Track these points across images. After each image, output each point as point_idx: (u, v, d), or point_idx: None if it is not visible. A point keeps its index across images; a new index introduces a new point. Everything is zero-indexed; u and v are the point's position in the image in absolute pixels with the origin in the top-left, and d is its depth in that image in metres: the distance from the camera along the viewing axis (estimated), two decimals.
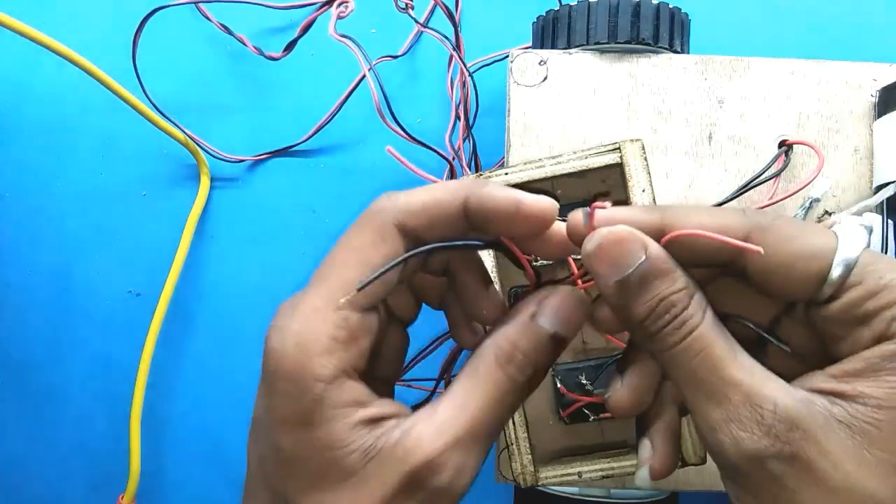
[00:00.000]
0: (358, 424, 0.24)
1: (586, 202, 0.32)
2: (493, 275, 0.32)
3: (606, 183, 0.32)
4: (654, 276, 0.23)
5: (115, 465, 0.44)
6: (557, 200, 0.32)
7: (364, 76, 0.44)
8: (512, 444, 0.30)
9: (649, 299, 0.23)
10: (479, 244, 0.25)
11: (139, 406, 0.43)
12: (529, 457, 0.30)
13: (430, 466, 0.23)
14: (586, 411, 0.33)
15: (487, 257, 0.32)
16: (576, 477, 0.30)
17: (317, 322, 0.23)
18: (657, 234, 0.24)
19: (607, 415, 0.32)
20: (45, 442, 0.46)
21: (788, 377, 0.24)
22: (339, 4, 0.35)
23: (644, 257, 0.23)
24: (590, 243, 0.24)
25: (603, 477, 0.30)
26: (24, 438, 0.46)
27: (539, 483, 0.30)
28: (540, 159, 0.30)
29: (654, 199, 0.30)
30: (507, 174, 0.31)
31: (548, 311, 0.25)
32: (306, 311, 0.24)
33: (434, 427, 0.23)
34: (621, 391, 0.26)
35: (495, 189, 0.24)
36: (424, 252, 0.24)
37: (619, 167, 0.30)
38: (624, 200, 0.31)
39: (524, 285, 0.32)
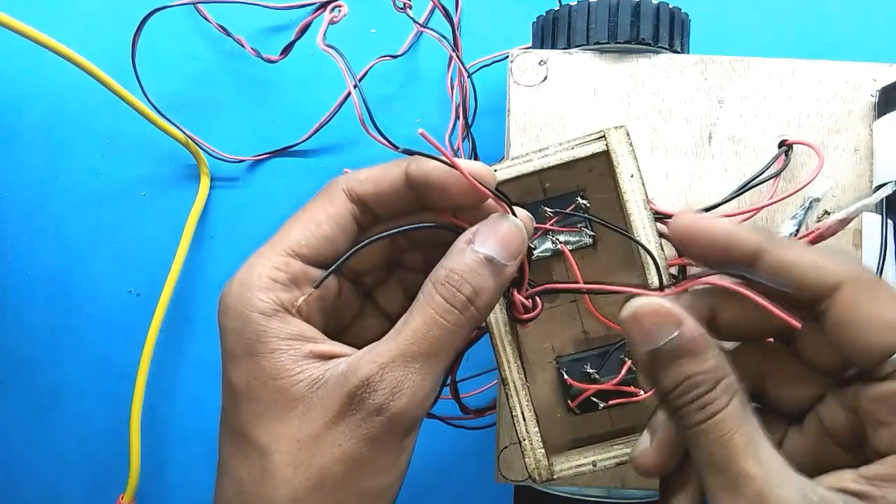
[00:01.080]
0: (308, 357, 0.25)
1: (575, 194, 0.32)
2: None
3: (593, 172, 0.32)
4: (684, 354, 0.24)
5: (115, 465, 0.44)
6: (545, 194, 0.32)
7: (366, 72, 0.44)
8: (524, 439, 0.30)
9: (676, 375, 0.24)
10: (428, 225, 0.27)
11: (139, 406, 0.43)
12: (542, 451, 0.30)
13: (366, 386, 0.24)
14: (595, 400, 0.33)
15: None
16: (590, 466, 0.30)
17: (258, 266, 0.26)
18: (753, 254, 0.24)
19: (617, 401, 0.32)
20: (45, 442, 0.46)
21: (819, 460, 0.24)
22: (333, 9, 0.35)
23: (676, 333, 0.24)
24: (626, 310, 0.24)
25: (617, 464, 0.30)
26: (24, 438, 0.46)
27: (554, 476, 0.30)
28: (527, 154, 0.31)
29: (642, 184, 0.30)
30: (496, 171, 0.31)
31: (480, 236, 0.26)
32: (253, 258, 0.26)
33: (374, 353, 0.25)
34: (648, 452, 0.26)
35: (430, 164, 0.26)
36: (377, 239, 0.27)
37: (605, 155, 0.30)
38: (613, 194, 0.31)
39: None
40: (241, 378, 0.25)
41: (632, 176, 0.30)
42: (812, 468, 0.24)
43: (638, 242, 0.30)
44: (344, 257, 0.27)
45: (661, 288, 0.29)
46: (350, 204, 0.27)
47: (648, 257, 0.30)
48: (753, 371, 0.26)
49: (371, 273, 0.30)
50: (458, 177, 0.25)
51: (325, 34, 0.34)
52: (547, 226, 0.32)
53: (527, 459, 0.30)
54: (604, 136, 0.30)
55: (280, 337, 0.25)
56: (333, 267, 0.27)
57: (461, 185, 0.25)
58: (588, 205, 0.32)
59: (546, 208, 0.32)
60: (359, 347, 0.26)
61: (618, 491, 0.36)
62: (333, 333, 0.28)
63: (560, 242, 0.32)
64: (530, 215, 0.28)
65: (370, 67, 0.44)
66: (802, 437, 0.26)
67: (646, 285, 0.30)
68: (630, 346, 0.25)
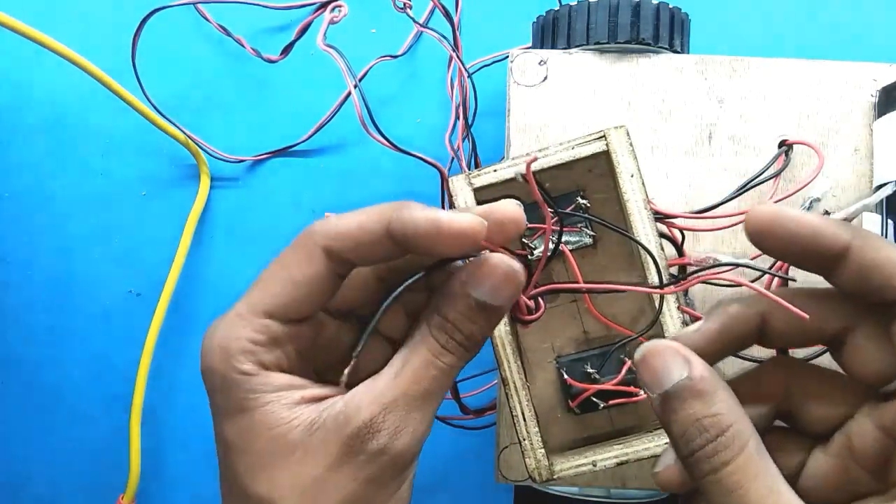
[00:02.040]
0: (300, 402, 0.25)
1: (575, 194, 0.32)
2: None
3: (594, 172, 0.32)
4: (691, 395, 0.23)
5: (115, 465, 0.44)
6: (548, 193, 0.32)
7: (366, 72, 0.44)
8: (524, 439, 0.30)
9: (685, 419, 0.23)
10: (422, 275, 0.27)
11: (139, 406, 0.43)
12: (543, 451, 0.30)
13: (368, 429, 0.24)
14: (595, 400, 0.33)
15: None
16: (590, 466, 0.30)
17: (238, 327, 0.25)
18: (840, 252, 0.24)
19: (617, 401, 0.32)
20: (45, 442, 0.46)
21: (843, 484, 0.23)
22: (333, 9, 0.35)
23: (685, 374, 0.23)
24: (637, 353, 0.25)
25: (618, 464, 0.30)
26: (24, 438, 0.46)
27: (555, 476, 0.30)
28: (528, 154, 0.31)
29: (643, 184, 0.30)
30: (495, 171, 0.31)
31: (475, 280, 0.25)
32: (231, 317, 0.26)
33: (372, 394, 0.25)
34: (672, 469, 0.25)
35: (416, 211, 0.24)
36: (395, 297, 0.26)
37: (605, 155, 0.30)
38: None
39: None
40: (235, 433, 0.25)
41: (632, 176, 0.30)
42: (835, 492, 0.24)
43: (638, 242, 0.30)
44: (369, 328, 0.26)
45: (661, 286, 0.29)
46: (329, 262, 0.26)
47: (648, 257, 0.30)
48: (780, 388, 0.26)
49: (368, 305, 0.29)
50: (446, 233, 0.24)
51: (325, 34, 0.34)
52: (547, 226, 0.32)
53: (527, 459, 0.30)
54: (604, 136, 0.30)
55: (269, 391, 0.25)
56: (365, 336, 0.26)
57: (450, 242, 0.24)
58: (588, 204, 0.32)
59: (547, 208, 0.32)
60: (359, 368, 0.26)
61: (618, 491, 0.36)
62: (325, 367, 0.28)
63: (561, 243, 0.32)
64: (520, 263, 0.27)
65: (370, 67, 0.44)
66: (827, 459, 0.25)
67: (646, 282, 0.30)
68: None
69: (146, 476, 0.44)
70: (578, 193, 0.32)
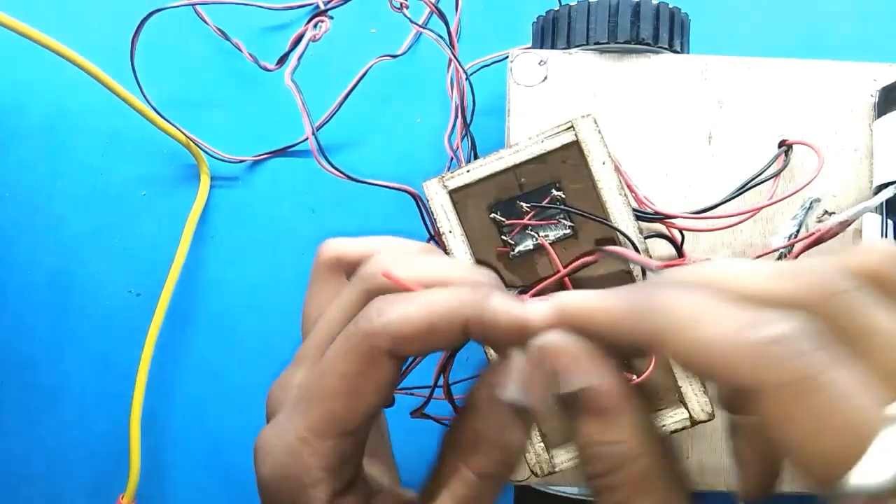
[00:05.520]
0: None
1: (550, 186, 0.32)
2: (467, 248, 0.32)
3: (567, 163, 0.32)
4: (590, 411, 0.21)
5: (115, 465, 0.44)
6: (522, 189, 0.32)
7: (365, 72, 0.44)
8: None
9: (581, 437, 0.21)
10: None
11: (139, 406, 0.43)
12: (542, 444, 0.30)
13: None
14: None
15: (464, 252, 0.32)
16: None
17: (305, 454, 0.23)
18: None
19: None
20: (45, 442, 0.46)
21: None
22: (316, 24, 0.35)
23: (589, 384, 0.21)
24: (537, 339, 0.22)
25: None
26: (24, 438, 0.46)
27: (555, 469, 0.30)
28: (498, 151, 0.31)
29: (615, 170, 0.31)
30: (468, 171, 0.31)
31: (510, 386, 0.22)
32: (293, 442, 0.23)
33: None
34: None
35: (500, 313, 0.22)
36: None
37: (576, 145, 0.31)
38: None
39: (515, 286, 0.32)
40: None
41: (603, 163, 0.30)
42: None
43: (614, 227, 0.30)
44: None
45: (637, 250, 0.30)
46: (395, 363, 0.23)
47: (627, 241, 0.30)
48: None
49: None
50: (526, 337, 0.22)
51: (293, 70, 0.34)
52: (525, 221, 0.32)
53: (527, 455, 0.30)
54: (572, 126, 0.31)
55: None
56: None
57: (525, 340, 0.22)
58: (563, 195, 0.32)
59: (522, 203, 0.32)
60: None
61: None
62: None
63: (540, 236, 0.32)
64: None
65: (370, 67, 0.44)
66: None
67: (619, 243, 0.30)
68: (528, 382, 0.22)
69: (146, 476, 0.44)
70: (554, 185, 0.32)
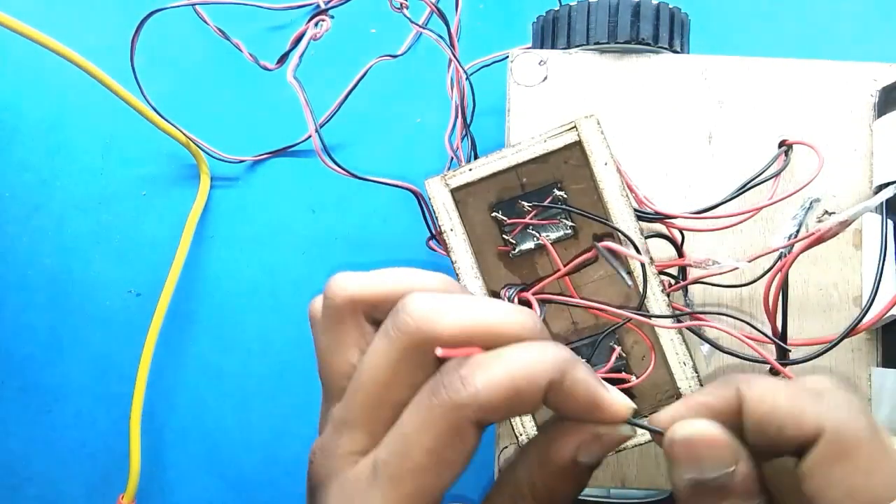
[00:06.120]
0: None
1: (552, 186, 0.32)
2: (476, 272, 0.32)
3: (569, 164, 0.32)
4: (732, 495, 0.22)
5: (115, 465, 0.44)
6: (524, 189, 0.32)
7: (366, 72, 0.44)
8: (521, 434, 0.30)
9: None
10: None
11: (139, 406, 0.43)
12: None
13: None
14: None
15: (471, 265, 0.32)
16: None
17: None
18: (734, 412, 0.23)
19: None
20: (45, 442, 0.46)
21: None
22: (317, 23, 0.35)
23: (732, 469, 0.22)
24: (678, 430, 0.23)
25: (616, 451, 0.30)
26: (24, 438, 0.46)
27: None
28: (501, 150, 0.31)
29: (617, 170, 0.30)
30: (470, 170, 0.31)
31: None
32: None
33: None
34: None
35: (577, 384, 0.22)
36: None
37: (578, 145, 0.31)
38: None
39: (516, 284, 0.32)
40: None
41: (605, 164, 0.30)
42: None
43: (616, 228, 0.30)
44: None
45: (644, 270, 0.29)
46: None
47: (629, 242, 0.30)
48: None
49: None
50: (597, 415, 0.23)
51: (295, 68, 0.34)
52: (526, 220, 0.32)
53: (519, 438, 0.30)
54: (575, 126, 0.30)
55: None
56: None
57: (595, 419, 0.23)
58: (565, 196, 0.32)
59: (524, 203, 0.32)
60: None
61: (618, 491, 0.36)
62: None
63: (541, 236, 0.32)
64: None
65: (370, 67, 0.44)
66: None
67: (631, 276, 0.30)
68: (672, 468, 0.23)
69: (146, 476, 0.44)
70: (555, 185, 0.32)
